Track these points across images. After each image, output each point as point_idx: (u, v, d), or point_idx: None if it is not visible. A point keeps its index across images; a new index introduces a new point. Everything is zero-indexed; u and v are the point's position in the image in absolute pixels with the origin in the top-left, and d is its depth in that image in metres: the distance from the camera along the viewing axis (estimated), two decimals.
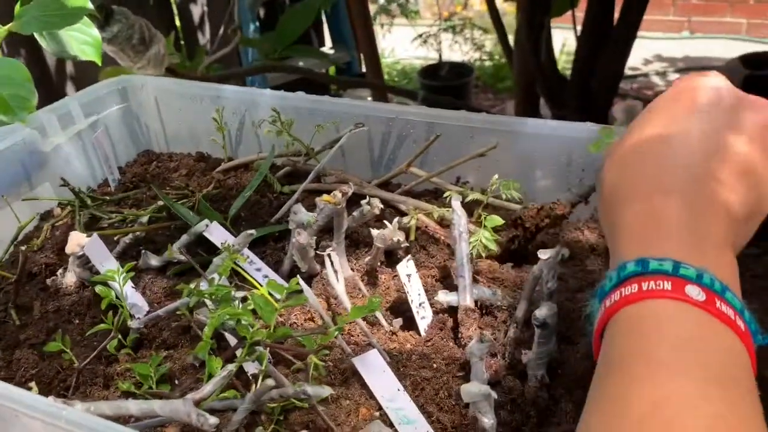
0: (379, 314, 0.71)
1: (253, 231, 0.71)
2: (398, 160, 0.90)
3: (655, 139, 0.48)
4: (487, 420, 0.53)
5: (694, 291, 0.38)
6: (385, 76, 2.72)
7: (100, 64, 0.92)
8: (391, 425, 0.59)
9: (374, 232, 0.73)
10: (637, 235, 0.44)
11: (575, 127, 0.79)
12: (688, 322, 0.38)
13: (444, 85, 3.02)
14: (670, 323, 0.38)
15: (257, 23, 2.62)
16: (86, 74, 2.00)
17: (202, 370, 0.67)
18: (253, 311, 0.62)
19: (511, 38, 1.91)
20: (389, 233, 0.72)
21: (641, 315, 0.39)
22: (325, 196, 0.72)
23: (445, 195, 0.83)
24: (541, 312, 0.58)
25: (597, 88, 1.74)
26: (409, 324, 0.71)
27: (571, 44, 2.73)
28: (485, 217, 0.74)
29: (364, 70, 2.64)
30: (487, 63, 3.41)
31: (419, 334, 0.70)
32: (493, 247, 0.73)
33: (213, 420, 0.53)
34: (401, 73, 3.62)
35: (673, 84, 0.53)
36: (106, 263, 0.75)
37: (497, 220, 0.73)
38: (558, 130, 0.81)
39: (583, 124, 0.79)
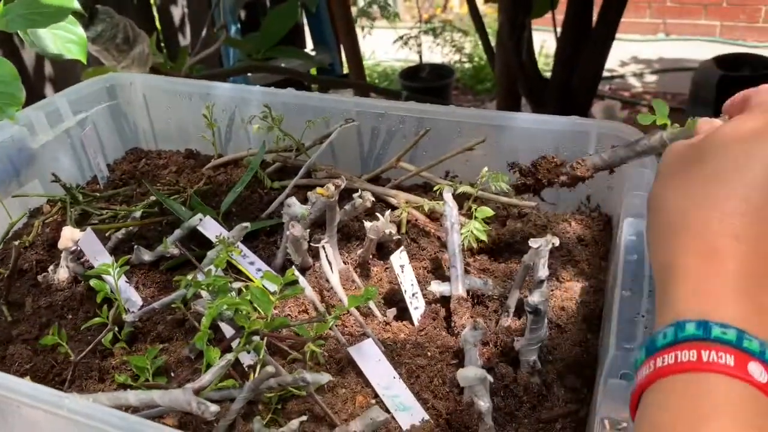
0: (372, 305, 0.72)
1: (247, 224, 0.72)
2: (388, 155, 0.91)
3: (739, 169, 0.41)
4: (483, 403, 0.54)
5: (756, 370, 0.35)
6: (367, 78, 2.72)
7: (85, 63, 0.92)
8: (387, 412, 0.60)
9: (367, 224, 0.74)
10: (697, 286, 0.39)
11: (561, 121, 0.81)
12: (747, 405, 0.35)
13: (425, 86, 3.04)
14: (727, 406, 0.35)
15: (239, 25, 2.61)
16: (66, 74, 1.98)
17: (198, 363, 0.67)
18: (249, 303, 0.63)
19: (492, 40, 1.94)
20: (382, 225, 0.73)
21: (699, 389, 0.36)
22: (318, 189, 0.73)
23: (435, 188, 0.85)
24: (534, 298, 0.60)
25: (577, 88, 1.77)
26: (403, 314, 0.72)
27: (550, 46, 2.76)
28: (476, 209, 0.75)
29: (346, 71, 2.65)
30: (467, 65, 3.44)
31: (413, 323, 0.71)
32: (484, 237, 0.74)
33: (214, 408, 0.54)
34: (382, 75, 3.64)
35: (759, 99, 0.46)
36: (100, 257, 0.75)
37: (488, 212, 0.74)
38: (544, 124, 0.82)
39: (569, 118, 0.81)
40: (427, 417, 0.60)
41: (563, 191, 0.84)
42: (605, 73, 3.05)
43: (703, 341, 0.36)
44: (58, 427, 0.55)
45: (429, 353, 0.66)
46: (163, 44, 2.41)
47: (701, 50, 3.32)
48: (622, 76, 3.34)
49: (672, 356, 0.37)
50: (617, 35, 1.72)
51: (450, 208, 0.73)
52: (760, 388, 0.35)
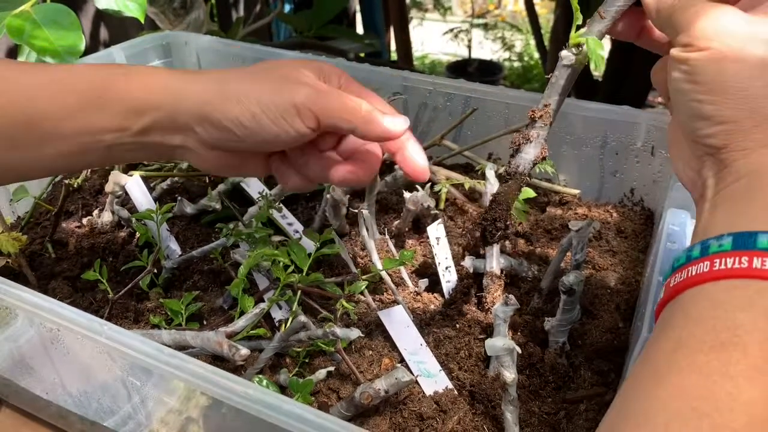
0: (405, 275, 0.72)
1: None
2: (432, 133, 0.91)
3: None
4: (509, 374, 0.54)
5: None
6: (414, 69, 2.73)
7: (143, 21, 0.94)
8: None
9: (406, 194, 0.74)
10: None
11: (613, 109, 0.80)
12: None
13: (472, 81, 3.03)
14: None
15: (293, 4, 2.64)
16: (120, 38, 2.03)
17: (231, 313, 0.69)
18: (287, 255, 0.64)
19: (545, 39, 1.93)
20: (421, 196, 0.74)
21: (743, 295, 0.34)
22: None
23: (476, 169, 0.85)
24: (569, 278, 0.60)
25: (628, 92, 1.74)
26: (434, 287, 0.73)
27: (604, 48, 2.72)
28: None
29: (392, 59, 2.65)
30: (516, 63, 3.42)
31: (443, 296, 0.71)
32: (523, 219, 0.74)
33: (245, 351, 0.55)
34: (429, 68, 3.63)
35: None
36: (145, 204, 0.77)
37: (530, 192, 0.74)
38: (595, 111, 0.81)
39: (621, 107, 0.80)
40: (450, 386, 0.61)
41: (607, 182, 0.84)
42: None
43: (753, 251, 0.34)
44: (94, 354, 0.56)
45: (458, 325, 0.66)
46: (215, 15, 2.45)
47: None
48: None
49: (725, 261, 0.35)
50: None
51: (491, 185, 0.73)
52: None
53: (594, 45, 0.50)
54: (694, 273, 0.36)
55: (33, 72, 0.52)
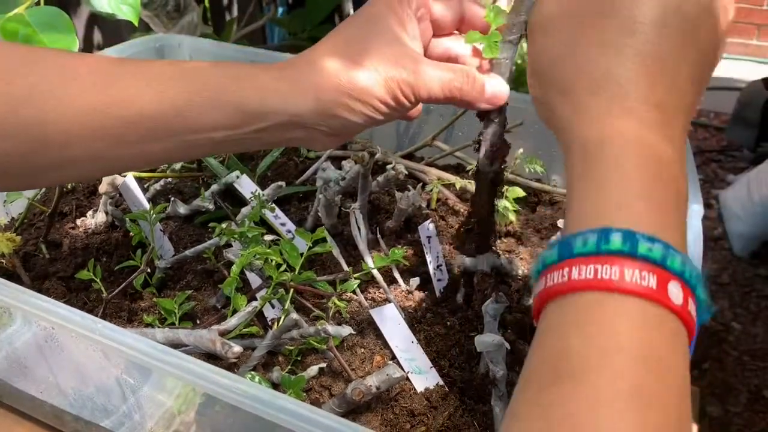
0: (396, 273, 0.73)
1: (282, 183, 0.74)
2: (424, 133, 0.92)
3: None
4: (499, 370, 0.55)
5: (675, 291, 0.33)
6: None
7: (137, 25, 0.95)
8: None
9: (398, 194, 0.75)
10: (628, 181, 0.36)
11: None
12: (663, 329, 0.32)
13: None
14: (642, 332, 0.32)
15: (285, 7, 2.65)
16: (113, 41, 2.03)
17: (224, 312, 0.69)
18: (280, 254, 0.64)
19: None
20: (413, 196, 0.74)
21: (616, 312, 0.32)
22: (353, 155, 0.74)
23: (467, 169, 0.85)
24: None
25: None
26: (425, 286, 0.73)
27: None
28: (507, 189, 0.76)
29: None
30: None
31: (434, 294, 0.72)
32: (513, 217, 0.75)
33: (237, 348, 0.56)
34: None
35: None
36: (139, 204, 0.77)
37: (519, 192, 0.75)
38: None
39: None
40: (441, 382, 0.62)
41: None
42: None
43: (628, 257, 0.33)
44: (88, 353, 0.57)
45: (448, 323, 0.67)
46: (209, 18, 2.46)
47: (750, 71, 3.26)
48: None
49: (591, 270, 0.33)
50: None
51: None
52: (676, 312, 0.32)
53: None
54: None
55: (137, 67, 0.50)
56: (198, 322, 0.69)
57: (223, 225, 0.66)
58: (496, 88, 0.53)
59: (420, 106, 0.56)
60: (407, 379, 0.61)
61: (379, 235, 0.76)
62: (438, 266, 0.73)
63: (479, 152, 0.58)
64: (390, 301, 0.69)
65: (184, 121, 0.48)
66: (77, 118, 0.47)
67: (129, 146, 0.49)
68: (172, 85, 0.48)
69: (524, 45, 0.53)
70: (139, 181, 0.82)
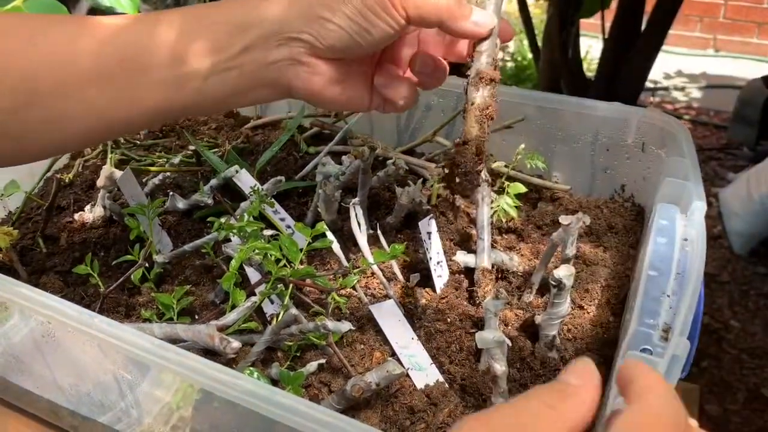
0: (396, 269, 0.73)
1: (281, 177, 0.73)
2: (424, 130, 0.91)
3: None
4: (500, 367, 0.55)
5: None
6: None
7: None
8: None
9: (398, 189, 0.75)
10: None
11: (604, 107, 0.81)
12: None
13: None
14: None
15: None
16: None
17: (222, 307, 0.69)
18: (279, 249, 0.64)
19: (538, 40, 1.93)
20: (413, 191, 0.74)
21: None
22: (353, 150, 0.74)
23: None
24: (560, 272, 0.60)
25: (620, 93, 1.75)
26: (426, 282, 0.73)
27: (595, 51, 2.74)
28: (508, 185, 0.75)
29: None
30: (510, 64, 3.43)
31: (435, 291, 0.71)
32: (514, 213, 0.74)
33: (236, 344, 0.55)
34: None
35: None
36: (137, 199, 0.77)
37: (520, 187, 0.74)
38: (586, 108, 0.82)
39: (612, 103, 0.80)
40: (441, 379, 0.61)
41: (598, 179, 0.84)
42: (649, 84, 3.01)
43: None
44: (85, 348, 0.56)
45: (449, 319, 0.67)
46: None
47: (750, 70, 3.26)
48: (666, 89, 3.29)
49: None
50: (664, 47, 1.70)
51: (483, 180, 0.73)
52: None
53: None
54: None
55: (118, 18, 0.53)
56: (196, 317, 0.69)
57: (222, 220, 0.65)
58: (483, 15, 0.53)
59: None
60: (407, 375, 0.61)
61: (379, 231, 0.75)
62: (438, 262, 0.72)
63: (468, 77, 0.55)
64: (390, 297, 0.68)
65: (173, 50, 0.51)
66: (70, 67, 0.50)
67: (119, 89, 0.52)
68: (163, 18, 0.52)
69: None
70: (137, 176, 0.81)
